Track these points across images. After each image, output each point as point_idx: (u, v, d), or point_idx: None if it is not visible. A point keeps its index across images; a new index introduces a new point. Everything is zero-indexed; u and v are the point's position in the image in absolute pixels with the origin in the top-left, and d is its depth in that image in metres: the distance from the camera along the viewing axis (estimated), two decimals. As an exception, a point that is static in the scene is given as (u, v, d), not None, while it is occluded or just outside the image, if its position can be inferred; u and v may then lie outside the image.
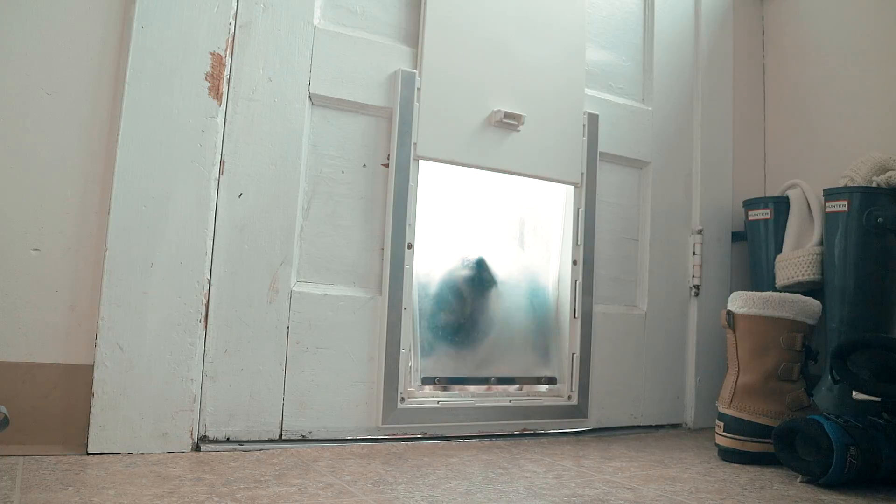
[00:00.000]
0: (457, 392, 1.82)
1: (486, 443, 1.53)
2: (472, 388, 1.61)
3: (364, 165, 1.48)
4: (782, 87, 2.09)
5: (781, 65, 2.10)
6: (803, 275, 1.72)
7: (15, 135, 1.20)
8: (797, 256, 1.74)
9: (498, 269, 1.65)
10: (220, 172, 1.33)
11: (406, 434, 1.48)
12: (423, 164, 1.53)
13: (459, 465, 1.29)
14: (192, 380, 1.27)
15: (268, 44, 1.38)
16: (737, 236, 1.99)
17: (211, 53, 1.32)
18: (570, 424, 1.69)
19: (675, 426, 1.88)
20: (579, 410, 1.70)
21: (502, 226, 1.68)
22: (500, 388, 1.78)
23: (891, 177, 1.62)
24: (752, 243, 1.91)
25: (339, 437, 1.41)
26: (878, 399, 1.36)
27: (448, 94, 1.55)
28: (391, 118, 1.50)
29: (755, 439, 1.44)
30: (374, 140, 1.50)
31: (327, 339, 1.40)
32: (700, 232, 1.93)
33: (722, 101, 2.02)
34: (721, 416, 1.49)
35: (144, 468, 1.12)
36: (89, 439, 1.19)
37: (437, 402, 1.53)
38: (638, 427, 1.81)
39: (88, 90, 1.25)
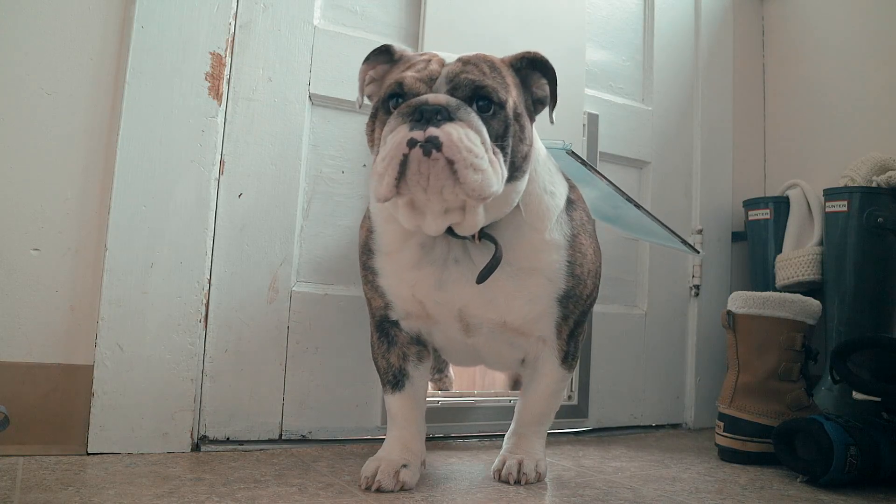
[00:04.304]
0: (457, 392, 1.82)
1: (486, 443, 1.52)
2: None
3: (364, 165, 1.48)
4: (782, 87, 2.09)
5: (781, 65, 2.10)
6: (803, 275, 1.72)
7: (15, 135, 1.20)
8: (797, 256, 1.74)
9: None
10: (220, 172, 1.33)
11: (406, 434, 1.47)
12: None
13: (459, 465, 1.29)
14: (192, 380, 1.27)
15: (268, 44, 1.38)
16: (737, 236, 1.99)
17: (211, 53, 1.32)
18: (570, 424, 1.69)
19: (675, 426, 1.88)
20: (579, 410, 1.69)
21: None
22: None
23: (891, 177, 1.62)
24: (752, 243, 1.91)
25: (339, 437, 1.41)
26: (878, 399, 1.36)
27: (448, 94, 1.55)
28: (391, 118, 1.50)
29: (755, 439, 1.44)
30: (374, 140, 1.50)
31: (327, 339, 1.40)
32: (700, 232, 1.92)
33: (722, 101, 2.02)
34: (721, 416, 1.49)
35: (144, 468, 1.12)
36: (89, 439, 1.19)
37: (438, 403, 1.52)
38: (638, 427, 1.81)
39: (88, 90, 1.25)
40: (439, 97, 0.92)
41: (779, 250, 1.81)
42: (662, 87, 1.92)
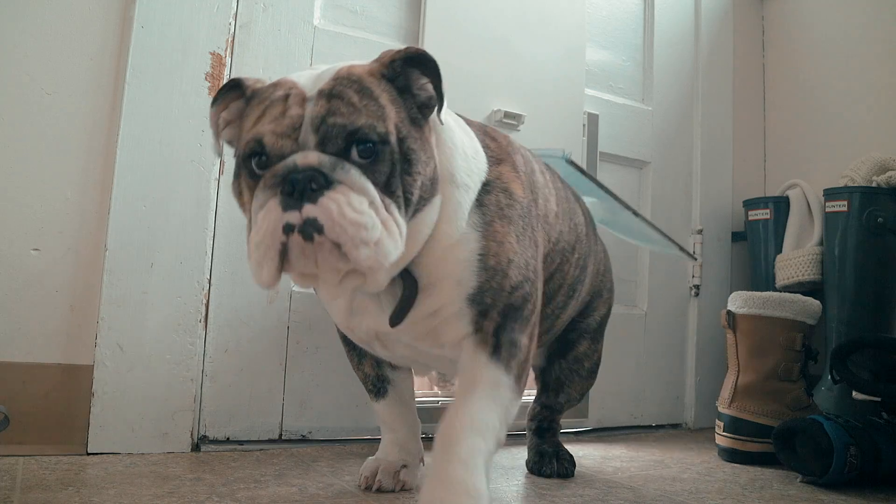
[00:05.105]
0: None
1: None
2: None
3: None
4: (782, 87, 2.09)
5: (781, 65, 2.10)
6: (803, 275, 1.72)
7: (15, 135, 1.20)
8: (797, 256, 1.74)
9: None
10: (220, 172, 1.33)
11: (406, 434, 1.47)
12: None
13: (459, 465, 1.29)
14: (192, 380, 1.27)
15: (268, 44, 1.38)
16: (737, 236, 1.99)
17: (211, 53, 1.32)
18: (571, 424, 1.69)
19: (675, 426, 1.88)
20: (579, 410, 1.69)
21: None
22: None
23: (891, 177, 1.62)
24: (752, 243, 1.91)
25: (339, 437, 1.41)
26: (878, 399, 1.36)
27: (448, 93, 1.54)
28: (391, 118, 1.50)
29: (755, 439, 1.44)
30: (374, 140, 1.50)
31: (327, 339, 1.40)
32: (700, 232, 1.93)
33: (722, 101, 2.02)
34: (721, 416, 1.49)
35: (144, 468, 1.12)
36: (89, 439, 1.19)
37: (438, 403, 1.52)
38: (638, 427, 1.81)
39: (88, 90, 1.25)
40: (309, 158, 0.75)
41: (779, 250, 1.81)
42: (662, 87, 1.92)
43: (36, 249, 1.21)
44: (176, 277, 1.27)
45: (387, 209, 0.77)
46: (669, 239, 1.45)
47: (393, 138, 0.80)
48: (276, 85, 0.82)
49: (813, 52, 2.00)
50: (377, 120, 0.79)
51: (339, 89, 0.79)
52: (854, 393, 1.44)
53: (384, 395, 1.11)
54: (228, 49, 1.34)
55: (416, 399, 1.53)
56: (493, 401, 0.86)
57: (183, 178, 1.28)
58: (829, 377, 1.49)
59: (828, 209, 1.70)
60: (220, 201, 1.33)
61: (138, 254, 1.24)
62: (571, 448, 1.35)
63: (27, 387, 1.18)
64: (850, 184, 1.68)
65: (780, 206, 1.85)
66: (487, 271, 0.89)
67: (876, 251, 1.63)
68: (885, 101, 1.80)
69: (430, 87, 0.86)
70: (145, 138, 1.26)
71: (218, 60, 1.32)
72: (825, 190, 1.72)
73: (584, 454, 1.46)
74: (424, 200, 0.83)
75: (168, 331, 1.26)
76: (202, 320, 1.29)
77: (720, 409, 1.50)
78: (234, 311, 1.33)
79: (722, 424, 1.48)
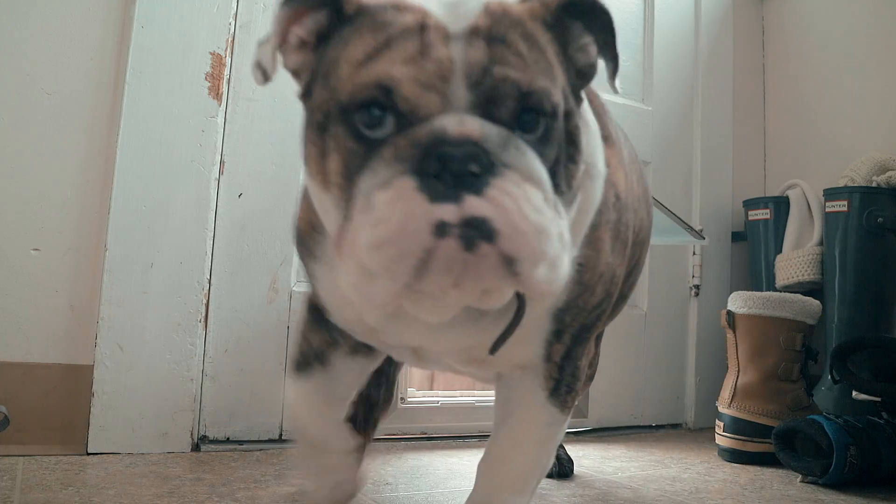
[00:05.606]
0: (457, 391, 1.81)
1: (487, 443, 1.52)
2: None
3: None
4: (782, 87, 2.09)
5: (781, 65, 2.10)
6: (803, 275, 1.72)
7: (15, 135, 1.20)
8: (797, 256, 1.74)
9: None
10: (220, 172, 1.33)
11: (406, 434, 1.47)
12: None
13: (459, 465, 1.29)
14: (192, 380, 1.27)
15: (268, 44, 1.38)
16: (737, 236, 1.99)
17: (211, 53, 1.32)
18: (571, 424, 1.68)
19: (675, 426, 1.88)
20: (579, 410, 1.69)
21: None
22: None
23: (891, 177, 1.62)
24: (752, 243, 1.91)
25: (339, 437, 1.41)
26: (878, 399, 1.36)
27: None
28: (391, 118, 1.49)
29: (755, 439, 1.44)
30: (374, 140, 1.49)
31: (327, 339, 1.40)
32: (700, 232, 1.92)
33: (722, 101, 2.02)
34: (721, 416, 1.49)
35: (144, 468, 1.12)
36: (89, 439, 1.19)
37: (438, 402, 1.52)
38: (638, 427, 1.81)
39: (88, 90, 1.25)
40: (469, 125, 0.52)
41: (779, 250, 1.81)
42: (662, 87, 1.91)
43: (36, 249, 1.21)
44: (176, 277, 1.27)
45: (557, 210, 0.55)
46: (676, 217, 1.42)
47: (561, 112, 0.58)
48: (396, 7, 0.56)
49: (813, 53, 2.00)
50: (550, 83, 0.57)
51: (501, 31, 0.55)
52: (854, 393, 1.44)
53: (307, 371, 0.82)
54: (228, 49, 1.34)
55: (416, 399, 1.53)
56: (544, 444, 0.78)
57: (183, 178, 1.28)
58: (829, 377, 1.49)
59: (828, 209, 1.70)
60: (220, 201, 1.33)
61: (138, 254, 1.24)
62: (571, 448, 1.35)
63: (27, 387, 1.18)
64: (850, 184, 1.68)
65: (780, 206, 1.85)
66: (580, 286, 0.70)
67: (876, 251, 1.63)
68: (884, 101, 1.80)
69: (592, 49, 0.66)
70: (145, 138, 1.26)
71: (218, 60, 1.32)
72: (825, 190, 1.71)
73: (584, 454, 1.46)
74: (576, 198, 0.62)
75: (168, 331, 1.26)
76: (202, 320, 1.29)
77: (720, 409, 1.50)
78: (234, 311, 1.32)
79: (722, 424, 1.48)
